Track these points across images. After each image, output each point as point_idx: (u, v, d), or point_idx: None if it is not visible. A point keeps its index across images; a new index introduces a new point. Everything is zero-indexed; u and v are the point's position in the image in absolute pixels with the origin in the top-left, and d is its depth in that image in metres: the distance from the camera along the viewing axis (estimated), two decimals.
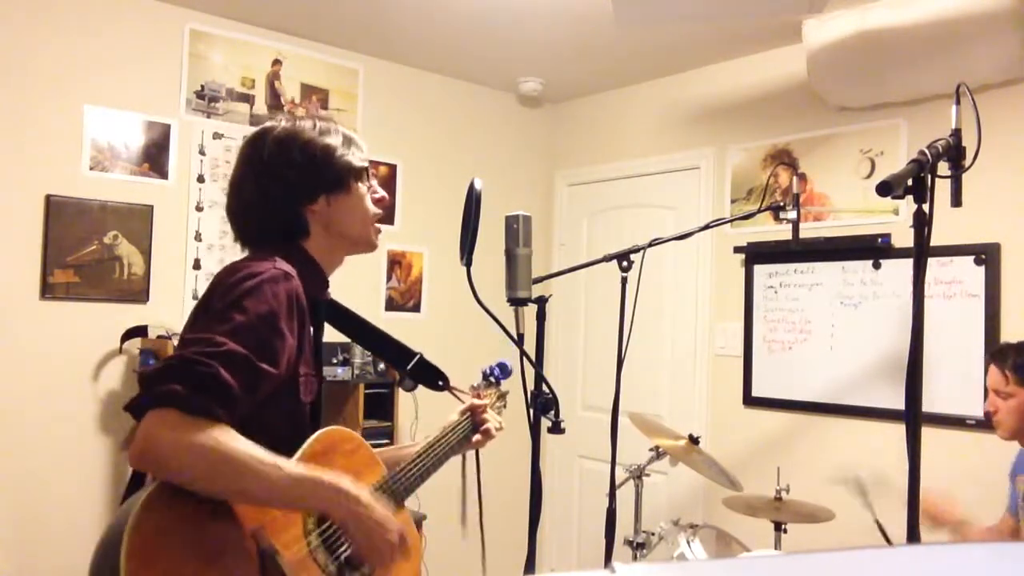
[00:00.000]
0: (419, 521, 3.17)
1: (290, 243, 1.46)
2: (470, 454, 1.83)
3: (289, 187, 1.46)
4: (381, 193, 1.58)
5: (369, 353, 3.51)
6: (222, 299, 1.29)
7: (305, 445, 1.37)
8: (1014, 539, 2.43)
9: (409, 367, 1.74)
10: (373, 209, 1.54)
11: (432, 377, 1.75)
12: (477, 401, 1.77)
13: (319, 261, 1.50)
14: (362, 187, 1.53)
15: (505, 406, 1.91)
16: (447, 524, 3.41)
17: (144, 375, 1.22)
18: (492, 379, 1.89)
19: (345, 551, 1.36)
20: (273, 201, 1.46)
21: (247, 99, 3.54)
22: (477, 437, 1.74)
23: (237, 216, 1.51)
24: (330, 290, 1.59)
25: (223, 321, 1.25)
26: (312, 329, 1.48)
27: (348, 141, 1.53)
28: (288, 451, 1.32)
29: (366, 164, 1.54)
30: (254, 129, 1.55)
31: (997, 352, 2.42)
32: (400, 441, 3.51)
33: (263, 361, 1.25)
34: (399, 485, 1.53)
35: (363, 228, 1.53)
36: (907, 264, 2.22)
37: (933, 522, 2.38)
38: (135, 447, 1.16)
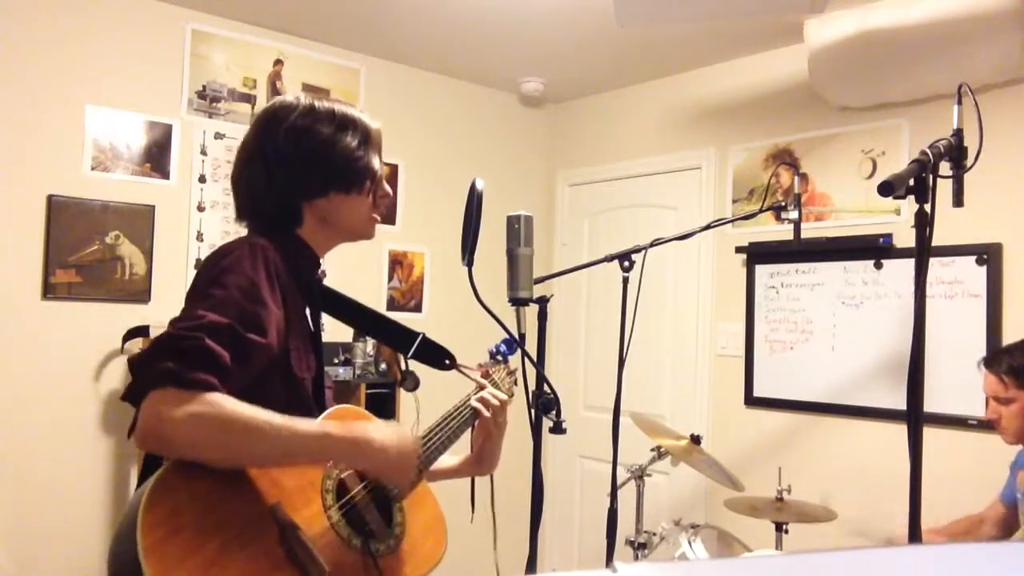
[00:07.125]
0: None
1: (282, 228, 1.45)
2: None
3: (297, 181, 1.43)
4: (389, 194, 1.56)
5: (371, 353, 3.52)
6: (203, 280, 1.31)
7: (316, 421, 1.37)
8: (1002, 526, 2.44)
9: (413, 348, 1.71)
10: (376, 210, 1.53)
11: (438, 357, 1.72)
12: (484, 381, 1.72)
13: (312, 245, 1.49)
14: (370, 189, 1.50)
15: (516, 382, 1.86)
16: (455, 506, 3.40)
17: (133, 360, 1.21)
18: (499, 357, 1.84)
19: (368, 524, 1.36)
20: (277, 190, 1.44)
21: (249, 99, 3.54)
22: (483, 413, 1.67)
23: (239, 188, 1.48)
24: (327, 281, 1.58)
25: (204, 299, 1.26)
26: (308, 309, 1.48)
27: (366, 138, 1.50)
28: None
29: (381, 169, 1.52)
30: (273, 102, 1.50)
31: (990, 358, 2.39)
32: None
33: (249, 331, 1.24)
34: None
35: (362, 225, 1.52)
36: (909, 264, 2.21)
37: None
38: (140, 430, 1.16)
